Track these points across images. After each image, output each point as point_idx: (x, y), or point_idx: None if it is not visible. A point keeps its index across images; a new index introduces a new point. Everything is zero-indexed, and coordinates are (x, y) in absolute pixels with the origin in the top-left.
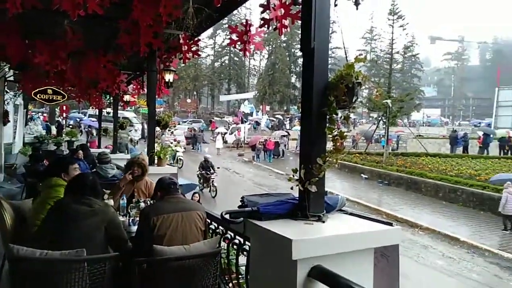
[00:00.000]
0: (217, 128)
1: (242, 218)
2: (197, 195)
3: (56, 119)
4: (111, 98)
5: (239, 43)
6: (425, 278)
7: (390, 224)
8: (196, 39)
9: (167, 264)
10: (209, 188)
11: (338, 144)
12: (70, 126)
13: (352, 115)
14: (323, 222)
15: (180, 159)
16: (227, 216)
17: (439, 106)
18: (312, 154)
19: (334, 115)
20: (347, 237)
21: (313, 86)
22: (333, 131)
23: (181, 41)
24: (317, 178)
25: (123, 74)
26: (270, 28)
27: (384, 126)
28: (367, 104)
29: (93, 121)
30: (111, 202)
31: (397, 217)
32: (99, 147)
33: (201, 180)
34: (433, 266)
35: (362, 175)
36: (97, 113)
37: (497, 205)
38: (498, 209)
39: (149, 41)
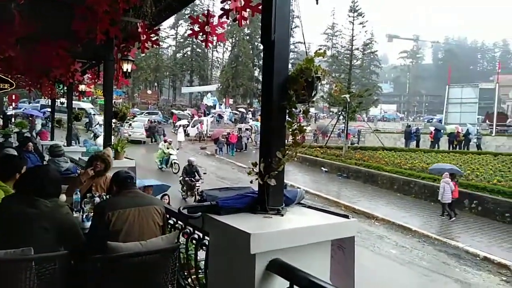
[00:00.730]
0: (179, 120)
1: (200, 213)
2: (166, 197)
3: (4, 109)
4: (65, 88)
5: (200, 34)
6: (380, 267)
7: (346, 217)
8: (155, 28)
9: (123, 261)
10: (194, 197)
11: (297, 138)
12: (19, 117)
13: (313, 110)
14: (282, 215)
15: (174, 162)
16: (185, 211)
17: (395, 102)
18: (272, 148)
19: (293, 109)
20: (305, 230)
21: (273, 79)
22: (293, 125)
23: (140, 29)
24: (276, 172)
25: (77, 62)
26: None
27: (344, 121)
28: (328, 99)
29: (40, 111)
30: (63, 197)
31: (355, 209)
32: (52, 139)
33: (184, 188)
34: (387, 255)
35: (322, 168)
36: (50, 103)
37: None
38: (438, 198)
39: (106, 28)
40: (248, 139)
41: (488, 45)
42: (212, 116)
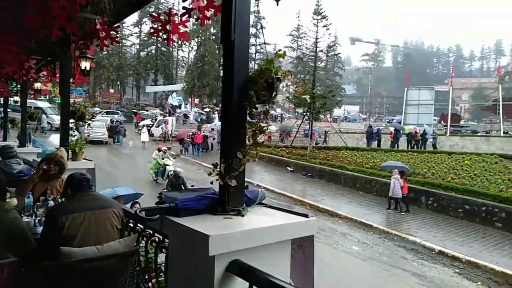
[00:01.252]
0: (142, 120)
1: (158, 215)
2: (137, 205)
3: None
4: (18, 86)
5: (162, 32)
6: (342, 263)
7: (306, 216)
8: (115, 25)
9: (78, 267)
10: None
11: (257, 138)
12: None
13: (279, 110)
14: (243, 216)
15: (171, 174)
16: (142, 214)
17: (358, 103)
18: (233, 149)
19: (254, 110)
20: (266, 230)
21: (234, 79)
22: (253, 125)
23: (98, 26)
24: (237, 173)
25: (32, 59)
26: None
27: (308, 121)
28: (293, 100)
29: None
30: (15, 201)
31: (319, 208)
32: (4, 139)
33: None
34: (349, 251)
35: (288, 168)
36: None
37: (406, 196)
38: (389, 193)
39: (62, 24)
40: (214, 139)
41: (443, 49)
42: (178, 116)
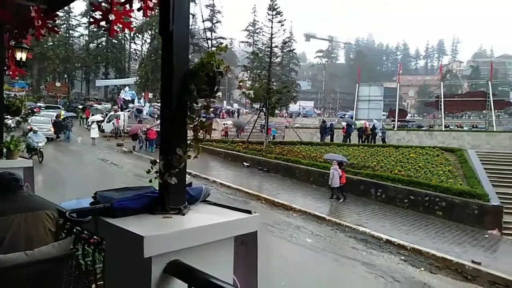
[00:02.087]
0: (92, 115)
1: (90, 217)
2: None
3: None
4: None
5: (104, 22)
6: (296, 256)
7: (249, 212)
8: (53, 13)
9: (4, 275)
10: None
11: (198, 134)
12: None
13: (236, 105)
14: (184, 214)
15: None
16: (74, 215)
17: (313, 99)
18: (172, 145)
19: (194, 104)
20: (207, 228)
21: (173, 73)
22: (194, 120)
23: (34, 14)
24: (177, 170)
25: None
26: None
27: (264, 116)
28: (250, 95)
29: None
30: None
31: (274, 202)
32: None
33: None
34: (303, 244)
35: (244, 163)
36: None
37: (357, 188)
38: (328, 183)
39: None
40: None
41: (392, 48)
42: (130, 111)
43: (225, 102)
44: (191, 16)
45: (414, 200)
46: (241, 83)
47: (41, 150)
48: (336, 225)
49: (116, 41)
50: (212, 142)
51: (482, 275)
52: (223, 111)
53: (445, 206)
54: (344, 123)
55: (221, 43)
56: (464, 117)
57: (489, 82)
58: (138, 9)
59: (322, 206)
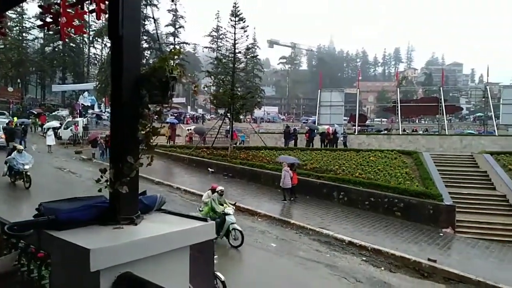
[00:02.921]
0: (48, 122)
1: (32, 230)
2: None
3: None
4: None
5: (53, 25)
6: (260, 261)
7: (205, 220)
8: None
9: None
10: None
11: (151, 140)
12: None
13: (200, 110)
14: (136, 225)
15: (235, 229)
16: (14, 229)
17: (277, 104)
18: (123, 152)
19: (146, 110)
20: (161, 238)
21: (123, 77)
22: (146, 127)
23: None
24: (128, 178)
25: None
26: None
27: (227, 121)
28: (215, 101)
29: None
30: None
31: (239, 207)
32: None
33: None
34: (268, 249)
35: (209, 169)
36: None
37: (320, 191)
38: (280, 184)
39: None
40: None
41: (352, 55)
42: (89, 117)
43: (189, 107)
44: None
45: (374, 202)
46: (196, 88)
47: (28, 173)
48: (300, 229)
49: (74, 45)
50: (176, 148)
51: (438, 272)
52: (188, 116)
53: (403, 207)
54: (307, 128)
55: (185, 48)
56: (419, 121)
57: (441, 88)
58: (91, 11)
59: (285, 210)
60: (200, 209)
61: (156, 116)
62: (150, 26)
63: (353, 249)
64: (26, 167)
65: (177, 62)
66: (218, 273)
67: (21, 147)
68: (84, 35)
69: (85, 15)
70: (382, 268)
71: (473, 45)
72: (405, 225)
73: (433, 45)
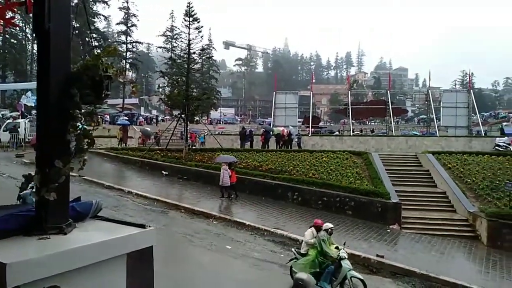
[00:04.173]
0: None
1: None
2: None
3: None
4: None
5: None
6: (215, 264)
7: (143, 226)
8: None
9: None
10: None
11: (83, 143)
12: None
13: (154, 112)
14: (65, 234)
15: (354, 277)
16: None
17: (233, 106)
18: (50, 156)
19: (77, 111)
20: (95, 247)
21: (51, 76)
22: (77, 129)
23: None
24: (57, 184)
25: None
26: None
27: (182, 123)
28: (169, 102)
29: None
30: None
31: (194, 210)
32: None
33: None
34: (223, 251)
35: (163, 172)
36: None
37: (275, 192)
38: (219, 183)
39: None
40: None
41: (306, 58)
42: (33, 119)
43: (142, 108)
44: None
45: (327, 201)
46: (134, 89)
47: None
48: (255, 230)
49: (15, 41)
50: (128, 150)
51: (385, 267)
52: (141, 118)
53: (353, 205)
54: (262, 130)
55: (138, 48)
56: (369, 123)
57: (388, 92)
58: (21, 4)
59: (241, 212)
60: (301, 251)
61: (88, 117)
62: (100, 24)
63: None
64: None
65: (129, 61)
66: None
67: None
68: (28, 31)
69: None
70: None
71: (417, 51)
72: (356, 223)
73: (382, 50)
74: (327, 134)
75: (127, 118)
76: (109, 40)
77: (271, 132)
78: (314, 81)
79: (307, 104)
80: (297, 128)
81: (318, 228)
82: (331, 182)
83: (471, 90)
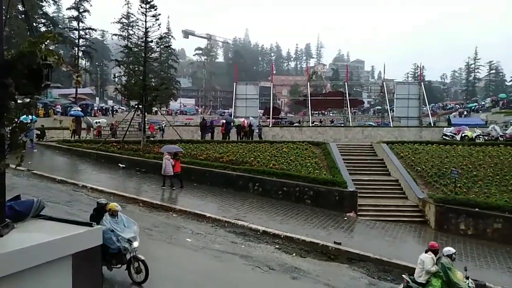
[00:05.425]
0: None
1: None
2: None
3: None
4: None
5: None
6: (175, 257)
7: (90, 225)
8: None
9: None
10: None
11: (18, 138)
12: None
13: (110, 102)
14: (2, 236)
15: None
16: None
17: (193, 96)
18: None
19: (13, 102)
20: (35, 248)
21: None
22: (12, 122)
23: None
24: None
25: None
26: None
27: (140, 114)
28: (126, 92)
29: None
30: None
31: (153, 204)
32: None
33: None
34: (183, 244)
35: (120, 164)
36: None
37: (236, 183)
38: (161, 172)
39: None
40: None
41: (266, 49)
42: None
43: (97, 98)
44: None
45: (287, 191)
46: (78, 78)
47: (141, 257)
48: (216, 222)
49: None
50: (82, 143)
51: (342, 254)
52: (96, 108)
53: (312, 194)
54: (223, 121)
55: (91, 35)
56: (328, 113)
57: (346, 83)
58: None
59: (202, 204)
60: (419, 279)
61: (25, 109)
62: (49, 9)
63: (267, 238)
64: (135, 244)
65: (81, 49)
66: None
67: (117, 206)
68: None
69: None
70: (294, 254)
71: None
72: (315, 212)
73: (339, 42)
74: (287, 125)
75: (80, 109)
76: (60, 26)
77: (232, 123)
78: (274, 72)
79: (267, 95)
80: (258, 119)
81: (436, 252)
82: (291, 172)
83: (422, 83)
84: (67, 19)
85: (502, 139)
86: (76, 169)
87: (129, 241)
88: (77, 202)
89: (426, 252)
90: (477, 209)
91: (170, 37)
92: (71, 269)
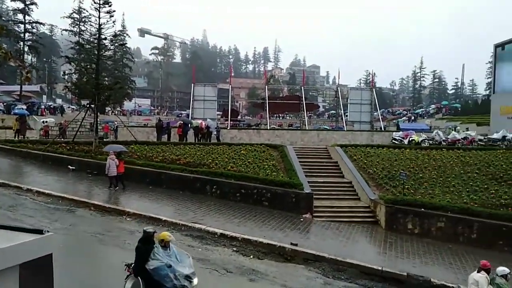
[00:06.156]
0: None
1: None
2: None
3: None
4: None
5: None
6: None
7: (40, 232)
8: None
9: None
10: None
11: None
12: None
13: (59, 101)
14: None
15: None
16: None
17: (149, 97)
18: None
19: None
20: None
21: None
22: None
23: None
24: None
25: None
26: None
27: (92, 113)
28: (77, 91)
29: None
30: None
31: (105, 207)
32: None
33: None
34: None
35: (69, 166)
36: None
37: (193, 186)
38: (105, 172)
39: None
40: None
41: (224, 51)
42: None
43: (45, 97)
44: None
45: (245, 193)
46: (28, 75)
47: None
48: (172, 225)
49: None
50: (27, 143)
51: (299, 254)
52: (43, 107)
53: (270, 197)
54: (180, 122)
55: (38, 29)
56: (285, 117)
57: (302, 87)
58: None
59: (157, 207)
60: None
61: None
62: None
63: (224, 240)
64: (195, 282)
65: (28, 44)
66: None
67: (170, 236)
68: None
69: None
70: (251, 256)
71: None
72: (272, 214)
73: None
74: (245, 127)
75: (25, 108)
76: (3, 19)
77: (189, 125)
78: (233, 74)
79: (226, 97)
80: (216, 121)
81: (488, 271)
82: (248, 174)
83: (373, 89)
84: (11, 11)
85: (444, 143)
86: (20, 171)
87: (188, 278)
88: (21, 207)
89: (478, 271)
90: (423, 209)
91: (125, 35)
92: (17, 281)
